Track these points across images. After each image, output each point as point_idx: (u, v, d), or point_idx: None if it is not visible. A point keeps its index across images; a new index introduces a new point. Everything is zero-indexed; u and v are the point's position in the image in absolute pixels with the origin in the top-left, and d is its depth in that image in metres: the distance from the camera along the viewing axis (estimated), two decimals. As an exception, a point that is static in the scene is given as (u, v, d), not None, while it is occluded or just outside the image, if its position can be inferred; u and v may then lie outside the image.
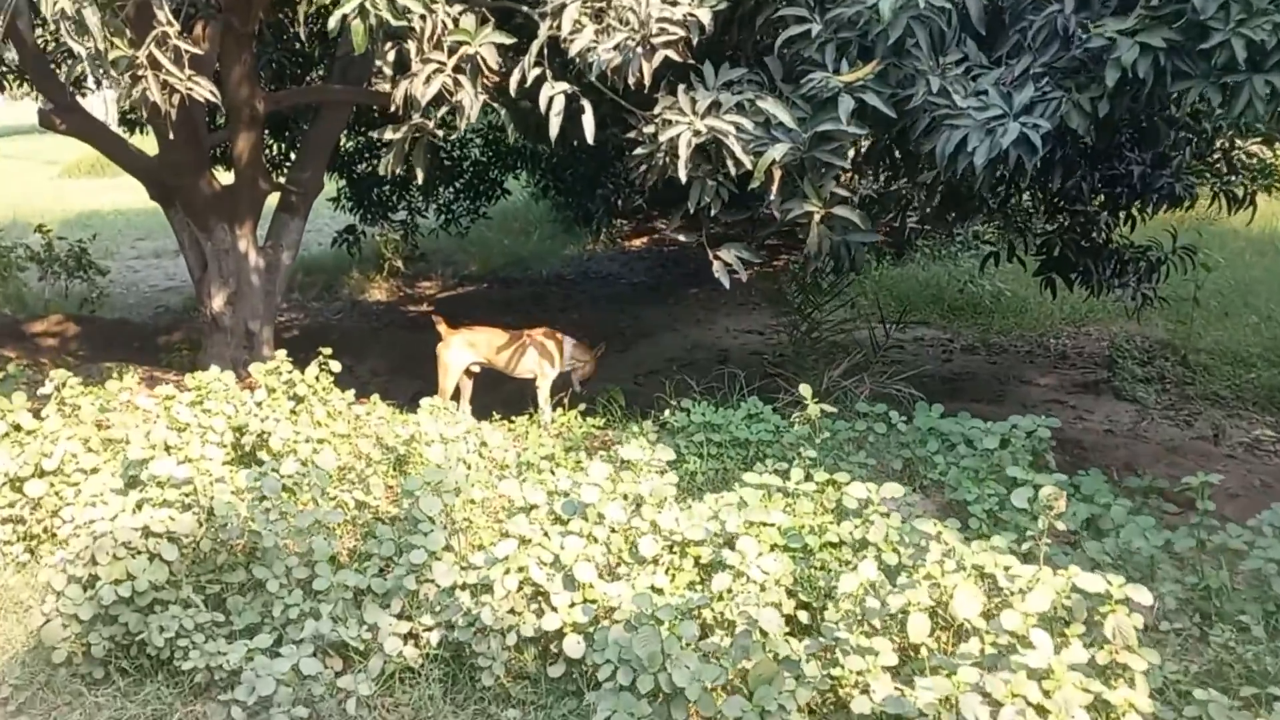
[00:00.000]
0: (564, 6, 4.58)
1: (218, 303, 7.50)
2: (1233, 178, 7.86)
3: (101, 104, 21.11)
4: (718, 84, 4.75)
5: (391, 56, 5.01)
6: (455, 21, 4.71)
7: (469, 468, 5.09)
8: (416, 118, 4.94)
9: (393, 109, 4.91)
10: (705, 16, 4.48)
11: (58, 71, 8.01)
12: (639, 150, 4.97)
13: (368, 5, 4.36)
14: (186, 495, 4.32)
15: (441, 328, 6.72)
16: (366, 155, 11.75)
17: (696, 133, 4.60)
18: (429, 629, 4.03)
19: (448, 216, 13.14)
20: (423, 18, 4.62)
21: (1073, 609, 3.35)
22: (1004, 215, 8.44)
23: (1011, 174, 5.93)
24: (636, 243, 15.92)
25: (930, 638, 3.45)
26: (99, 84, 10.53)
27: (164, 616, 3.99)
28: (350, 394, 5.85)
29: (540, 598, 3.96)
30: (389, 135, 5.13)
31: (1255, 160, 8.04)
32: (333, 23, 4.41)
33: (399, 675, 3.94)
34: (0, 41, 6.85)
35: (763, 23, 4.98)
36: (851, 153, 5.37)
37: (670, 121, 4.67)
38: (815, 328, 7.88)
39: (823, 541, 4.08)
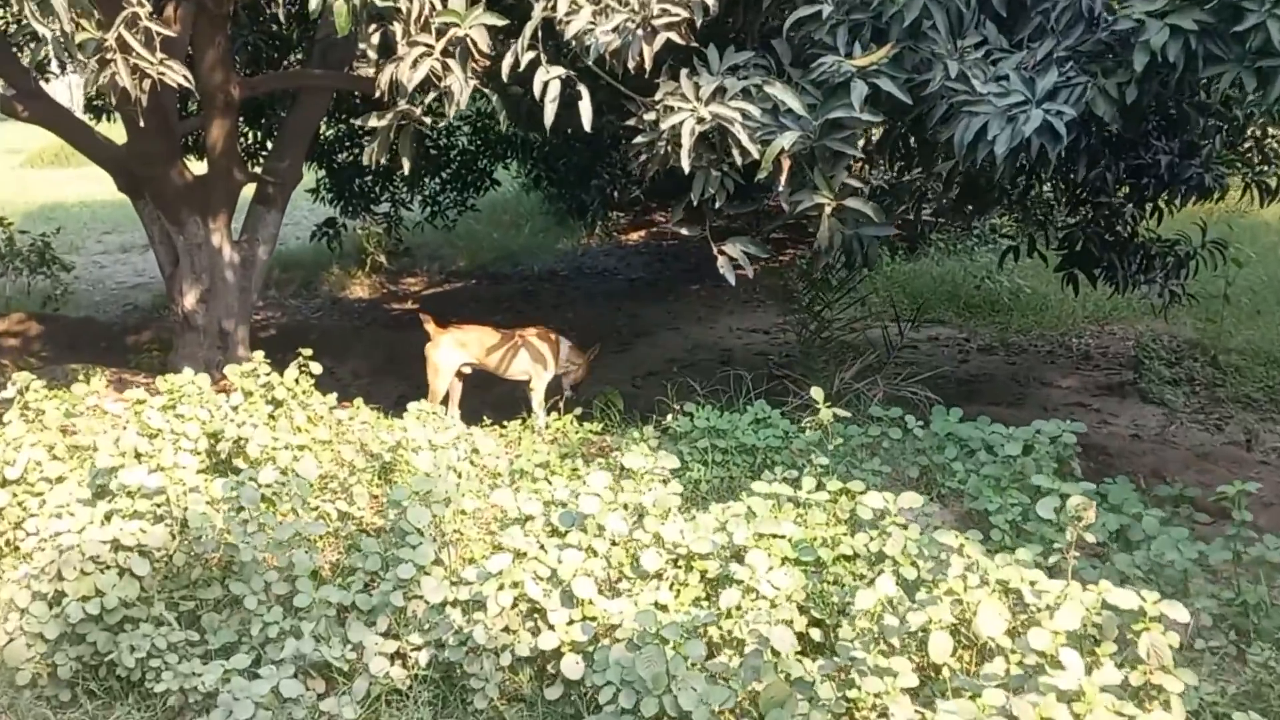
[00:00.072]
0: (560, -14, 4.55)
1: (190, 300, 7.48)
2: (1265, 168, 7.83)
3: (66, 89, 21.03)
4: (722, 68, 4.72)
5: (376, 39, 4.97)
6: (444, 2, 4.68)
7: (459, 476, 5.07)
8: (402, 104, 4.91)
9: (377, 95, 4.88)
10: (710, -4, 4.46)
11: (20, 55, 7.98)
12: (639, 139, 4.95)
13: (352, -16, 4.34)
14: (158, 506, 4.30)
15: (430, 327, 6.70)
16: (347, 144, 11.75)
17: (700, 120, 4.57)
18: (417, 648, 4.00)
19: (434, 209, 13.13)
20: (410, -2, 4.59)
21: (1103, 627, 3.34)
22: (1023, 208, 8.42)
23: (1033, 164, 5.91)
24: (634, 236, 15.92)
25: (952, 657, 3.43)
26: (64, 68, 10.50)
27: (135, 635, 3.97)
28: (332, 397, 5.82)
29: (536, 615, 3.94)
30: (373, 122, 5.10)
31: (1289, 149, 8.03)
32: (314, 4, 4.39)
33: (385, 697, 3.92)
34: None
35: (770, 3, 4.96)
36: (861, 141, 5.35)
37: (672, 108, 4.64)
38: (825, 327, 7.86)
39: (836, 554, 4.07)
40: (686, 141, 4.59)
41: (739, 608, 3.75)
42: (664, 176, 5.13)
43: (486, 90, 5.05)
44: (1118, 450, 6.59)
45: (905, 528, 4.05)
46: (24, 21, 4.45)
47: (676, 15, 4.45)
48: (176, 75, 4.77)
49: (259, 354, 5.84)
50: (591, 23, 4.49)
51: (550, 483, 4.76)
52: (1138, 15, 4.17)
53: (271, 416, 5.50)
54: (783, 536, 4.10)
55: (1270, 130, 7.79)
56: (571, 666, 3.77)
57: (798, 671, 3.40)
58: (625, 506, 4.29)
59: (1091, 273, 7.84)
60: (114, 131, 8.55)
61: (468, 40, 4.66)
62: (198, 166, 8.15)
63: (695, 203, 5.00)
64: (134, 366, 8.79)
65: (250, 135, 11.11)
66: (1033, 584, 3.51)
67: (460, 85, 4.71)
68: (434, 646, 3.98)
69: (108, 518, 4.28)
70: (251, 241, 7.74)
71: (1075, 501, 3.66)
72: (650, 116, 4.83)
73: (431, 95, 4.87)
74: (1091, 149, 6.31)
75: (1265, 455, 7.12)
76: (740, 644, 3.65)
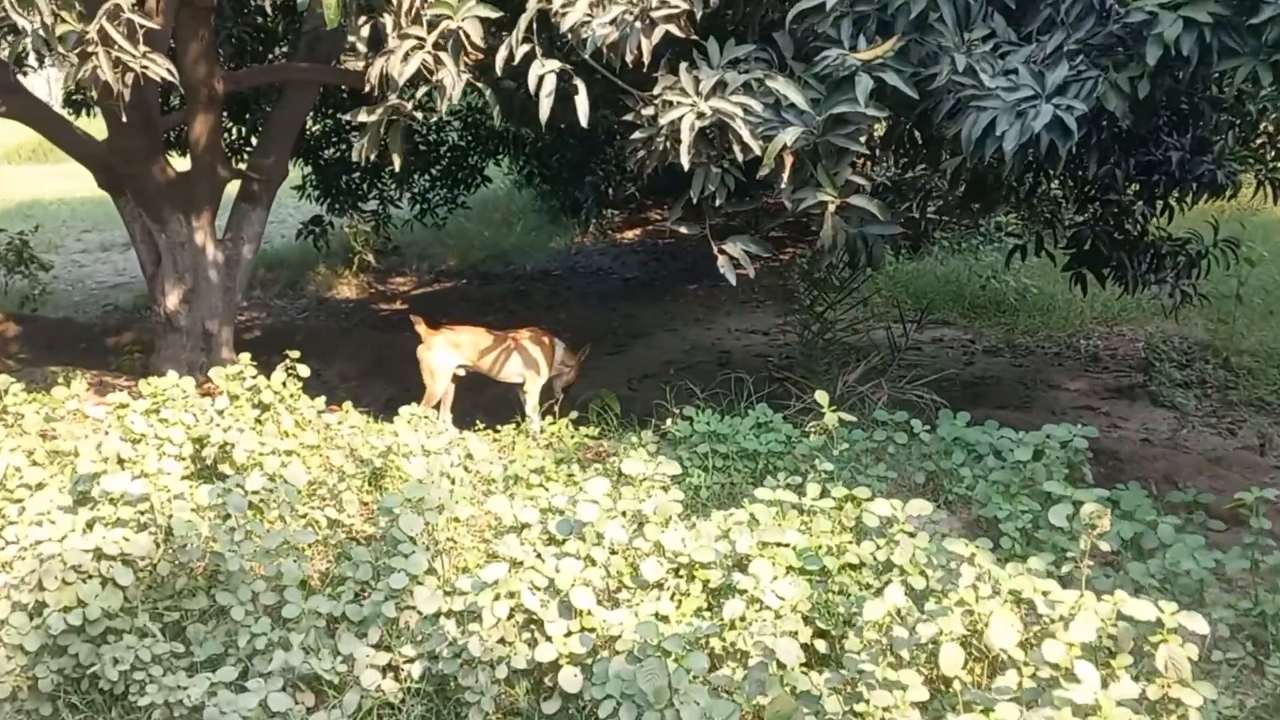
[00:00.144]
0: (556, -23, 4.54)
1: (172, 301, 7.45)
2: (1279, 164, 7.84)
3: (44, 83, 20.99)
4: (723, 62, 4.72)
5: (366, 31, 4.97)
6: (436, -7, 4.67)
7: (453, 482, 5.05)
8: (393, 98, 4.90)
9: (366, 89, 4.87)
10: (710, -12, 4.45)
11: (-3, 48, 7.95)
12: (637, 135, 4.94)
13: (341, -24, 4.33)
14: (142, 513, 4.30)
15: (421, 328, 6.67)
16: (335, 139, 11.72)
17: (700, 115, 4.57)
18: (410, 660, 4.00)
19: (423, 206, 13.10)
20: (401, -11, 4.58)
21: (1119, 639, 3.33)
22: (1030, 205, 8.42)
23: (1042, 161, 5.92)
24: (629, 235, 15.90)
25: (963, 670, 3.42)
26: (42, 61, 10.47)
27: (118, 647, 3.96)
28: (320, 401, 5.80)
29: (533, 626, 3.93)
30: (363, 118, 5.09)
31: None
32: (302, -5, 4.37)
33: (377, 711, 3.91)
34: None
35: (772, -5, 4.96)
36: (865, 137, 5.35)
37: (671, 103, 4.64)
38: (827, 328, 7.85)
39: (842, 563, 4.06)
40: (686, 137, 4.58)
41: (743, 619, 3.74)
42: (662, 173, 5.12)
43: (479, 84, 5.04)
44: (1128, 455, 6.58)
45: (913, 536, 4.04)
46: (3, 14, 4.43)
47: (676, 7, 4.45)
48: (160, 69, 4.75)
49: (244, 356, 5.82)
50: (588, 15, 4.48)
51: (546, 489, 4.75)
52: (1150, 7, 4.16)
53: (258, 421, 5.49)
54: (787, 545, 4.09)
55: (1285, 125, 7.81)
56: (570, 679, 3.75)
57: (804, 685, 3.40)
58: (624, 514, 4.28)
59: (1100, 272, 7.83)
60: (94, 127, 8.50)
61: (460, 33, 4.66)
62: (180, 163, 8.12)
63: (695, 200, 4.99)
64: (115, 369, 8.76)
65: (234, 131, 11.08)
66: (1046, 594, 3.50)
67: (453, 79, 4.70)
68: (427, 659, 3.97)
69: (90, 526, 4.27)
70: (236, 240, 7.72)
71: (1089, 509, 3.66)
72: (648, 112, 4.82)
73: (423, 90, 4.87)
74: (1101, 145, 6.31)
75: (1279, 460, 7.12)
76: (744, 656, 3.65)
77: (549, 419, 6.40)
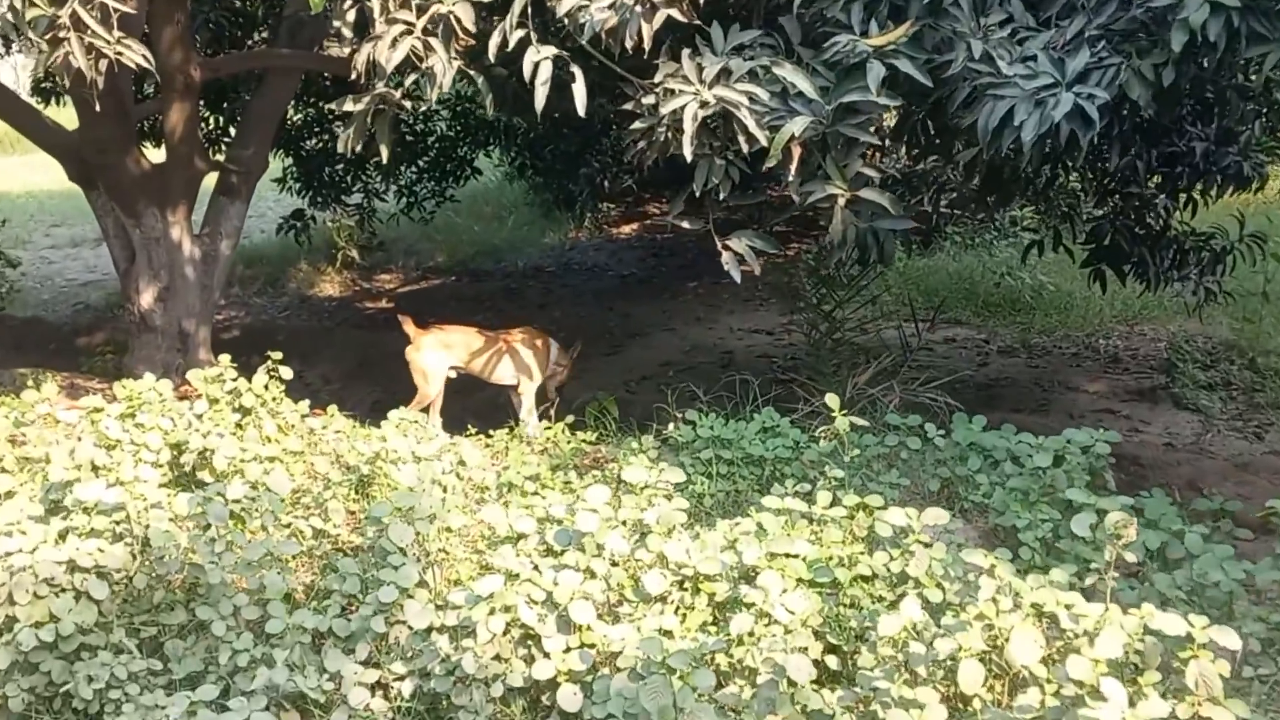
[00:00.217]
0: (552, -42, 4.53)
1: (147, 299, 7.44)
2: (1308, 156, 7.86)
3: (10, 70, 20.97)
4: (727, 48, 4.71)
5: (351, 16, 4.94)
6: (426, -25, 4.66)
7: (445, 490, 5.04)
8: (380, 86, 4.88)
9: (352, 76, 4.85)
10: (714, -30, 4.44)
11: (-38, 34, 7.93)
12: (636, 125, 4.92)
13: (327, -43, 4.31)
14: (117, 523, 4.29)
15: (410, 328, 6.66)
16: (317, 129, 11.68)
17: (704, 104, 4.55)
18: (400, 678, 3.99)
19: (410, 200, 13.07)
20: (389, -29, 4.57)
21: (1147, 654, 3.32)
22: (1048, 199, 8.41)
23: (1061, 151, 5.91)
24: (626, 229, 15.89)
25: (983, 688, 3.41)
26: (9, 47, 10.46)
27: (92, 664, 3.94)
28: (303, 404, 5.79)
29: (530, 642, 3.92)
30: (349, 107, 5.06)
31: (1333, 136, 8.03)
32: (284, -23, 4.36)
33: (366, 731, 3.89)
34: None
35: (778, -22, 4.94)
36: (875, 127, 5.34)
37: (673, 91, 4.62)
38: (835, 327, 7.84)
39: (854, 575, 4.05)
40: (689, 127, 4.56)
41: (751, 634, 3.73)
42: (662, 165, 5.11)
43: (471, 72, 5.03)
44: (1150, 460, 6.58)
45: (929, 546, 4.03)
46: (-32, -2, 4.42)
47: (678, -9, 4.43)
48: (135, 55, 4.74)
49: (224, 357, 5.81)
50: (586, -1, 4.47)
51: (543, 497, 4.74)
52: (1176, -10, 4.16)
53: (239, 425, 5.48)
54: (797, 556, 4.09)
55: (1313, 115, 7.80)
56: (569, 698, 3.75)
57: (815, 703, 3.39)
58: (625, 523, 4.28)
59: (1120, 269, 7.83)
60: (64, 116, 8.50)
61: (451, 17, 4.64)
62: (155, 154, 8.11)
63: (698, 194, 4.98)
64: (87, 370, 8.76)
65: (212, 120, 11.06)
66: (1069, 607, 3.50)
67: (443, 66, 4.68)
68: (418, 676, 3.97)
69: (62, 536, 4.26)
70: (213, 235, 7.71)
71: (1114, 518, 3.64)
72: (649, 100, 4.81)
73: (412, 77, 4.85)
74: (1123, 135, 6.30)
75: (1308, 465, 7.12)
76: (753, 673, 3.64)
77: (544, 423, 6.39)
